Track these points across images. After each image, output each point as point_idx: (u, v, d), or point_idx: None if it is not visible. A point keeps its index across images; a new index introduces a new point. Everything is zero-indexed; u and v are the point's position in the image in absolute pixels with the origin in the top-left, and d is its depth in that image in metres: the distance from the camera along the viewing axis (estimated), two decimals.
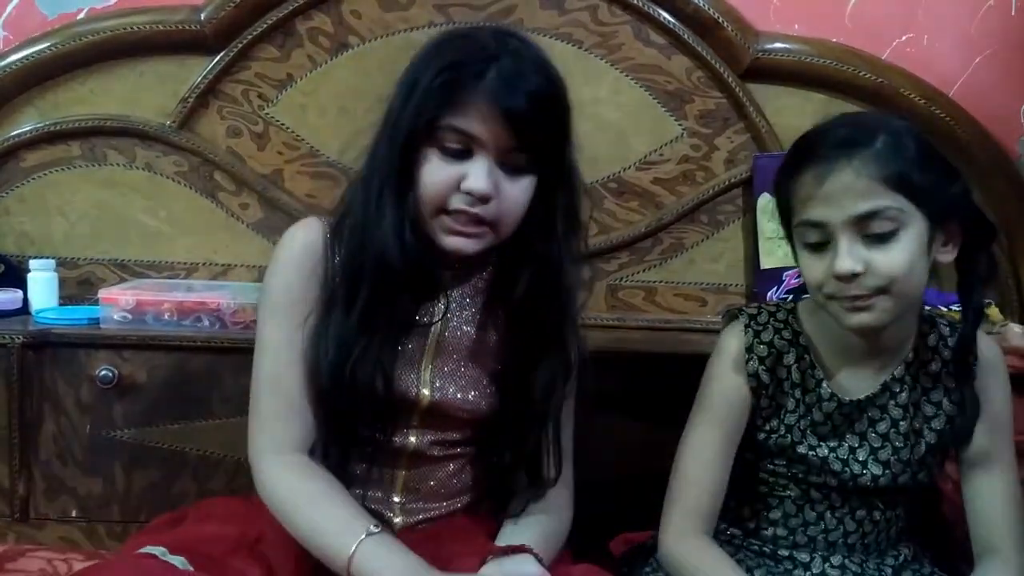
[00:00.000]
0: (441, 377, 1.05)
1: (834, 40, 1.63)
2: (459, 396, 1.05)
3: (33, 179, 1.63)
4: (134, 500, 1.40)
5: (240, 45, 1.59)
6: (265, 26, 1.59)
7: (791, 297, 1.51)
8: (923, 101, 1.60)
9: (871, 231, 0.98)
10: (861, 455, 1.09)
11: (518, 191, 0.99)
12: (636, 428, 1.37)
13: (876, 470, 1.09)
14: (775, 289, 1.61)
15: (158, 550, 0.94)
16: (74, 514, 1.40)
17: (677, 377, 1.16)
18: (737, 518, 1.15)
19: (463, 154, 0.97)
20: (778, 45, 1.61)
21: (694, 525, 1.08)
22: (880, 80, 1.60)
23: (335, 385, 1.00)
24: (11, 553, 1.28)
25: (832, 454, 1.09)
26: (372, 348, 1.00)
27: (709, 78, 1.63)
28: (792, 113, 1.63)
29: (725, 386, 1.10)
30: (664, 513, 1.11)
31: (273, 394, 1.02)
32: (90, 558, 1.27)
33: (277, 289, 1.04)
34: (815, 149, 1.01)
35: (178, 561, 0.93)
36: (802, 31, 1.63)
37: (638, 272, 1.68)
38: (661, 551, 1.10)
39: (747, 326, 1.11)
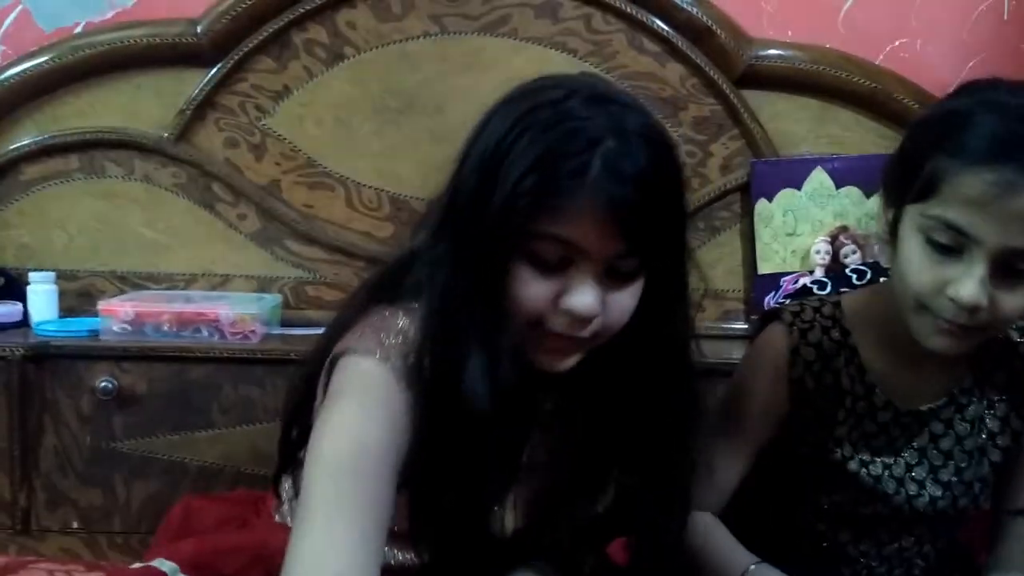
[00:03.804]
0: (524, 504, 0.90)
1: (827, 46, 1.63)
2: (547, 522, 0.91)
3: (32, 192, 1.63)
4: (135, 511, 1.40)
5: (236, 57, 1.60)
6: (261, 38, 1.60)
7: (829, 289, 1.39)
8: (917, 105, 1.60)
9: (1013, 267, 0.82)
10: (919, 474, 0.96)
11: (625, 301, 0.80)
12: None
13: (935, 491, 0.96)
14: (773, 294, 1.62)
15: (168, 566, 0.93)
16: (75, 525, 1.41)
17: None
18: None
19: (561, 265, 0.77)
20: (772, 52, 1.62)
21: (698, 505, 0.99)
22: (874, 85, 1.61)
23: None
24: (13, 565, 1.28)
25: (886, 472, 0.96)
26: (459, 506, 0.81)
27: (703, 85, 1.63)
28: (787, 119, 1.64)
29: (763, 399, 0.97)
30: None
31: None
32: (91, 569, 1.27)
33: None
34: (1014, 146, 0.80)
35: None
36: (795, 37, 1.64)
37: None
38: None
39: (791, 325, 0.96)
